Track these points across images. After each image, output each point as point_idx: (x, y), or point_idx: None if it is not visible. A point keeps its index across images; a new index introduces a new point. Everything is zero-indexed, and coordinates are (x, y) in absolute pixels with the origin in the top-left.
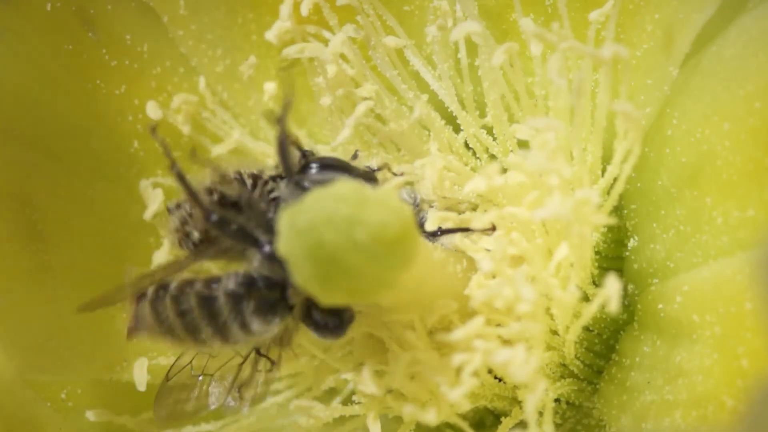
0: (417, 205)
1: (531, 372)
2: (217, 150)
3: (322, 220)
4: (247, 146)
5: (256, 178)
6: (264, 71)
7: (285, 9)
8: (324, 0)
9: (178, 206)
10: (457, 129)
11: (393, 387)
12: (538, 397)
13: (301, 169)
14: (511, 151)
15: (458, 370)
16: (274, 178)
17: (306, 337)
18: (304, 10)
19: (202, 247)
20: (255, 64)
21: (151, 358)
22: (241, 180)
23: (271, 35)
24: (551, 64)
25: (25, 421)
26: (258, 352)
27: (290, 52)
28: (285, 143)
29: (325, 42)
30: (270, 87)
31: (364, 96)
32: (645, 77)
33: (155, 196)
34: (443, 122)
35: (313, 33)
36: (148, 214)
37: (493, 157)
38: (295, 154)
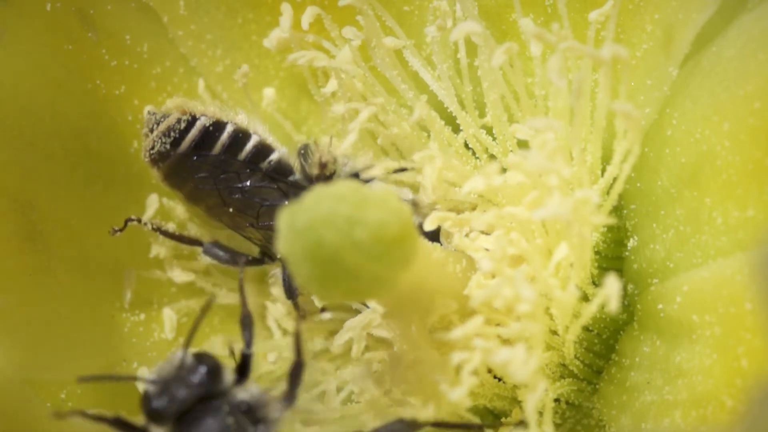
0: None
1: (531, 372)
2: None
3: (321, 219)
4: None
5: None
6: (264, 72)
7: (285, 21)
8: (325, 11)
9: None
10: (456, 129)
11: (392, 387)
12: (538, 396)
13: None
14: (511, 151)
15: (458, 370)
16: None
17: (305, 337)
18: (305, 23)
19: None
20: (248, 73)
21: (152, 360)
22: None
23: (269, 43)
24: (551, 64)
25: (25, 421)
26: None
27: (293, 58)
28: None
29: (325, 51)
30: (269, 90)
31: (371, 104)
32: (645, 77)
33: (151, 200)
34: (443, 122)
35: (312, 41)
36: (146, 217)
37: (492, 157)
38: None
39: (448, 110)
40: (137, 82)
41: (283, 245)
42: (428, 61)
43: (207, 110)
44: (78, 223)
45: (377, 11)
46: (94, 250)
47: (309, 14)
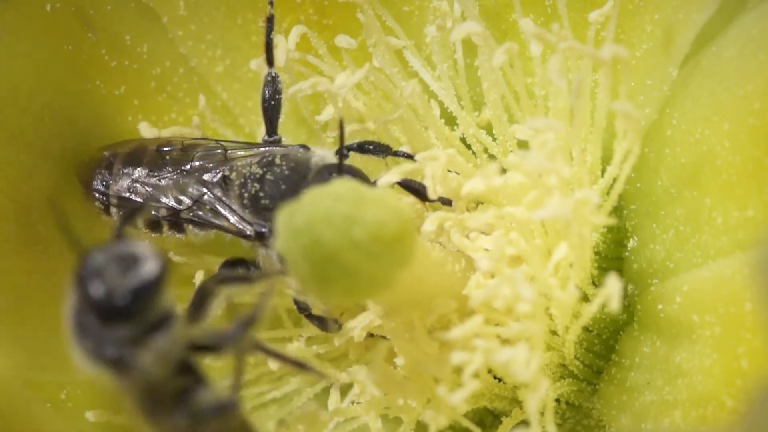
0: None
1: (533, 372)
2: None
3: (319, 218)
4: None
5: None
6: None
7: (281, 54)
8: (324, 11)
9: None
10: (455, 129)
11: (392, 387)
12: (540, 397)
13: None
14: (511, 151)
15: (458, 370)
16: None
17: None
18: (291, 43)
19: None
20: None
21: None
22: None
23: (255, 66)
24: (551, 64)
25: (25, 422)
26: None
27: (294, 91)
28: None
29: (314, 67)
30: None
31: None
32: (645, 77)
33: None
34: (442, 121)
35: (298, 59)
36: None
37: (492, 157)
38: None
39: (448, 110)
40: (137, 82)
41: (281, 244)
42: (428, 61)
43: None
44: (78, 224)
45: (377, 11)
46: None
47: (296, 34)
